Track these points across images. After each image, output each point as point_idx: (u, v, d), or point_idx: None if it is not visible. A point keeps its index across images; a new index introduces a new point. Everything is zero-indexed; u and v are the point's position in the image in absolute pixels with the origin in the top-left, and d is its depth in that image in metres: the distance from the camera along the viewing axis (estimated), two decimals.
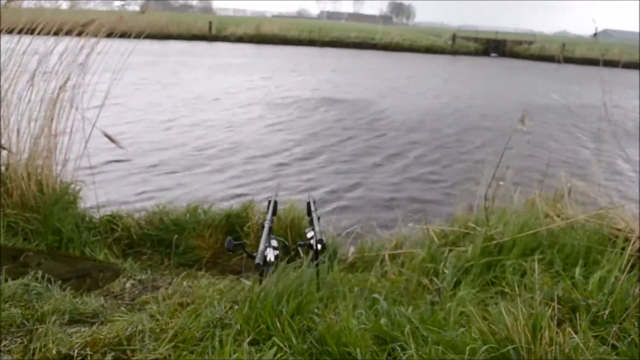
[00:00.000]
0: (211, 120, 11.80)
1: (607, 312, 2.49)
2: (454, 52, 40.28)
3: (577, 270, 2.93)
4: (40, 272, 2.78)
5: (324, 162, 8.98)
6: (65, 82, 4.09)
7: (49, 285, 2.67)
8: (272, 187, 6.85)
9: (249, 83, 18.27)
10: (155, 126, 10.92)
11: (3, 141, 3.99)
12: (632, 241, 3.25)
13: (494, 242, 3.25)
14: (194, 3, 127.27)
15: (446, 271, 3.00)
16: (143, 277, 3.26)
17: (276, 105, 14.38)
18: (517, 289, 2.71)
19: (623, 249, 3.15)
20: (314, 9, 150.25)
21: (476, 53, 40.96)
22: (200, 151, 9.19)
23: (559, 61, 37.09)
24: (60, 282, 2.77)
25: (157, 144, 9.42)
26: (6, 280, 2.61)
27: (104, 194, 4.59)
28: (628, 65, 28.96)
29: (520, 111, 3.48)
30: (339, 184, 7.73)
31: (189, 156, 8.83)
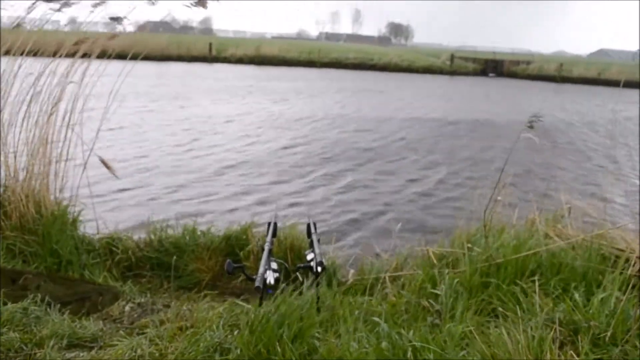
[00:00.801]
0: (227, 144, 11.71)
1: (608, 334, 2.47)
2: (452, 72, 40.61)
3: (578, 291, 2.91)
4: (39, 295, 2.77)
5: (345, 188, 8.83)
6: (57, 103, 4.09)
7: (48, 308, 2.66)
8: (300, 213, 6.73)
9: (259, 105, 18.37)
10: (170, 150, 10.86)
11: (2, 163, 4.00)
12: (633, 262, 3.24)
13: (493, 262, 3.23)
14: (195, 25, 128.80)
15: (444, 293, 2.98)
16: (142, 300, 3.24)
17: (290, 126, 14.38)
18: (518, 311, 2.70)
19: (624, 269, 3.14)
20: (313, 31, 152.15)
21: (474, 73, 41.30)
22: (219, 176, 9.07)
23: (557, 81, 37.45)
24: (59, 305, 2.76)
25: (173, 168, 9.33)
26: (5, 304, 2.60)
27: (119, 222, 4.61)
28: (627, 84, 29.26)
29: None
30: (362, 212, 7.50)
31: (207, 181, 8.70)
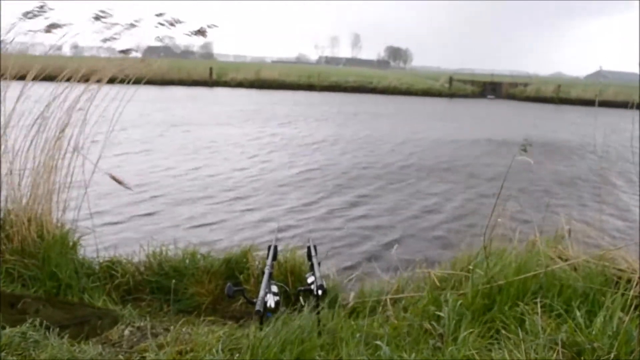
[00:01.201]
0: (241, 169, 11.62)
1: (612, 355, 2.45)
2: (451, 94, 40.94)
3: (580, 312, 2.89)
4: (38, 320, 2.75)
5: (363, 213, 8.72)
6: (64, 129, 4.14)
7: (47, 332, 2.64)
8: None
9: (268, 129, 18.38)
10: (183, 175, 10.76)
11: (5, 186, 4.02)
12: (635, 282, 3.23)
13: (494, 284, 3.22)
14: (196, 49, 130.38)
15: (447, 315, 2.96)
16: (142, 324, 3.22)
17: (301, 151, 14.35)
18: (519, 332, 2.68)
19: (626, 290, 3.12)
20: (312, 55, 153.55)
21: (473, 95, 41.64)
22: (231, 200, 8.97)
23: (555, 102, 37.73)
24: (58, 329, 2.74)
25: (187, 193, 9.24)
26: (4, 328, 2.58)
27: (123, 245, 4.59)
28: (625, 105, 29.33)
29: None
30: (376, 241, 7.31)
31: (222, 206, 8.60)
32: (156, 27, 4.08)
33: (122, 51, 4.30)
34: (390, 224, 8.14)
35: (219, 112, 22.84)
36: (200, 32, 4.11)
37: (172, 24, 4.04)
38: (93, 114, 4.24)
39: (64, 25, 4.11)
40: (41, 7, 4.00)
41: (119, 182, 4.13)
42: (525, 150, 3.29)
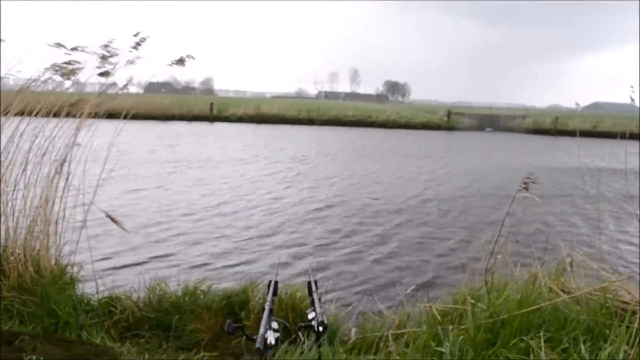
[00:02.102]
0: (258, 206, 11.41)
1: None
2: (450, 127, 41.23)
3: (585, 346, 2.86)
4: (35, 357, 2.72)
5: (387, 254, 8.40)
6: (62, 164, 4.16)
7: None
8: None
9: (281, 165, 18.22)
10: (200, 212, 10.55)
11: (2, 222, 4.01)
12: (639, 315, 3.20)
13: (497, 318, 3.19)
14: (197, 85, 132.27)
15: (449, 351, 2.92)
16: None
17: (317, 187, 14.15)
18: None
19: (631, 322, 3.09)
20: (312, 89, 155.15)
21: (471, 128, 41.91)
22: (246, 240, 8.65)
23: (553, 134, 38.01)
24: None
25: (206, 234, 8.99)
26: None
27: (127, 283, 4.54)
28: (622, 136, 29.64)
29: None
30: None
31: (242, 245, 8.35)
32: (133, 59, 4.17)
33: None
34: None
35: (227, 148, 22.80)
36: (180, 62, 4.28)
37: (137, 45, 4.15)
38: (91, 148, 4.26)
39: (79, 68, 4.19)
40: (69, 62, 4.11)
41: (115, 221, 4.13)
42: (526, 189, 3.29)
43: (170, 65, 4.27)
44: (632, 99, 4.19)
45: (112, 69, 4.26)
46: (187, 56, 4.30)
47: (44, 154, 4.20)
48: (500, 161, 22.18)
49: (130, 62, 4.22)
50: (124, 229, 4.21)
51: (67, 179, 4.22)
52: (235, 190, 13.11)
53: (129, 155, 16.18)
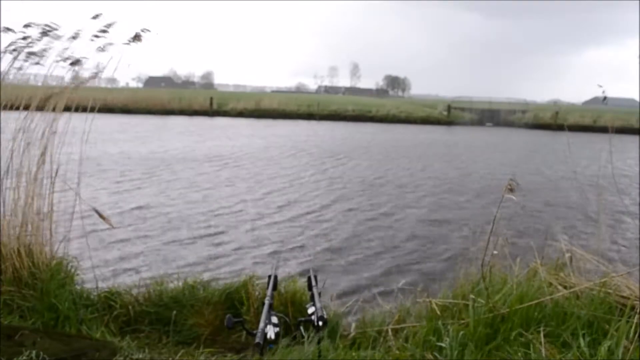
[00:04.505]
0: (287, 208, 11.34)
1: None
2: (450, 122, 41.19)
3: (585, 341, 2.86)
4: (34, 352, 2.72)
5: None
6: (43, 153, 4.10)
7: None
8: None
9: (301, 167, 17.60)
10: (217, 210, 10.66)
11: None
12: (638, 309, 3.19)
13: (497, 313, 3.19)
14: (196, 79, 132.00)
15: (449, 345, 2.92)
16: (140, 356, 3.18)
17: (348, 189, 13.94)
18: None
19: (630, 317, 3.09)
20: (312, 84, 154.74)
21: (471, 123, 41.86)
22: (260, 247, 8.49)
23: (553, 128, 37.96)
24: None
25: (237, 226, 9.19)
26: None
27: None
28: (622, 131, 29.76)
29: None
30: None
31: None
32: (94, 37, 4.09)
33: (73, 63, 4.27)
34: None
35: (242, 144, 22.59)
36: (137, 37, 4.13)
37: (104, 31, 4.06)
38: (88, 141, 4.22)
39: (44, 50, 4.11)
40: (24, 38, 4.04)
41: (102, 217, 4.10)
42: (512, 190, 3.30)
43: (128, 43, 4.11)
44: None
45: (83, 58, 4.17)
46: (143, 30, 4.14)
47: (28, 145, 4.11)
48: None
49: (101, 49, 4.13)
50: (111, 225, 4.18)
51: (51, 170, 4.16)
52: (261, 192, 13.12)
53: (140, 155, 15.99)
